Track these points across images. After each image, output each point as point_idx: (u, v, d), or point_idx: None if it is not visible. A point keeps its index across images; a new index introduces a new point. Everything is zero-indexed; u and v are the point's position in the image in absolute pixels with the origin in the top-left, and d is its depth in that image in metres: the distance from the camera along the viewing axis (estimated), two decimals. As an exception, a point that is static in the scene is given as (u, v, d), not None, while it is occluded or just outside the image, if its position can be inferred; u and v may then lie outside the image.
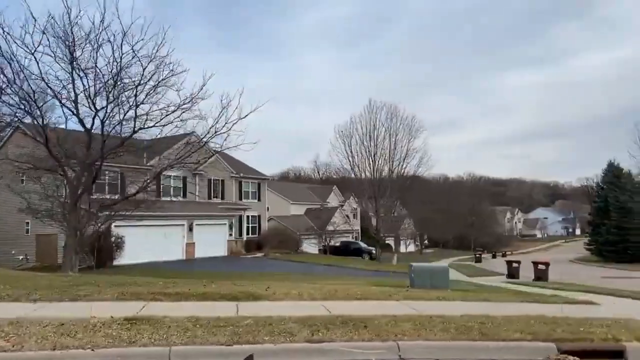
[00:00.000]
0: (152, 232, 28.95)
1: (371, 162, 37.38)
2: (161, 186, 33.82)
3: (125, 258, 26.79)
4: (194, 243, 31.36)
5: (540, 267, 21.89)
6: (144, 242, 28.19)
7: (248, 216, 40.95)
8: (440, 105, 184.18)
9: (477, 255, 51.32)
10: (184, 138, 36.28)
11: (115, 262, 26.40)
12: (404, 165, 37.96)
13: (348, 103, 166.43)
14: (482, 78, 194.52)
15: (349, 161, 37.17)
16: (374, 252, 47.70)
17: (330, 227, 51.96)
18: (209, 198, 37.08)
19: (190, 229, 31.19)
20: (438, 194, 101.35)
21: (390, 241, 74.71)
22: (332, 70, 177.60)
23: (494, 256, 66.34)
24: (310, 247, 48.22)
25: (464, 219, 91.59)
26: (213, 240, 32.69)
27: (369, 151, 37.01)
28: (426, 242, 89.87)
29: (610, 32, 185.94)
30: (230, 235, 34.34)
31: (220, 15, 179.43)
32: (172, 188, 34.59)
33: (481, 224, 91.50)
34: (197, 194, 36.01)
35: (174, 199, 34.26)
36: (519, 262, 26.23)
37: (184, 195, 35.41)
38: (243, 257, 32.83)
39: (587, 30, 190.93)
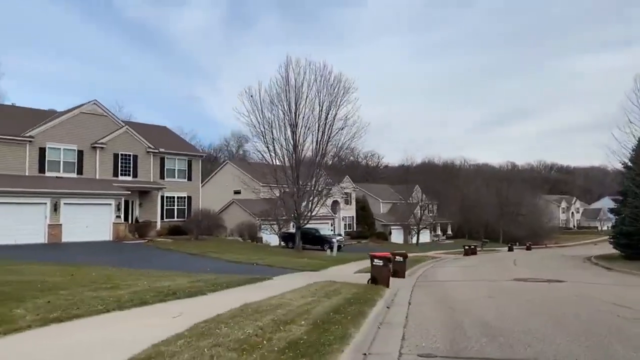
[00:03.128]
0: (-1, 210, 25.02)
1: (290, 134, 30.93)
2: (46, 161, 29.95)
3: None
4: (60, 225, 27.10)
5: (377, 262, 15.10)
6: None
7: (172, 197, 36.27)
8: (514, 91, 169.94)
9: (467, 248, 43.36)
10: (78, 108, 32.37)
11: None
12: (335, 137, 31.17)
13: (417, 90, 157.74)
14: (562, 62, 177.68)
15: (261, 132, 30.94)
16: (336, 241, 41.42)
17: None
18: (115, 175, 32.76)
19: (55, 209, 26.92)
20: (478, 183, 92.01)
21: (397, 230, 67.61)
22: (398, 58, 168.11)
23: (510, 249, 57.51)
24: (272, 234, 42.92)
25: (497, 208, 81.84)
26: (92, 223, 28.33)
27: (289, 119, 30.70)
28: (449, 232, 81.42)
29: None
30: (118, 217, 29.76)
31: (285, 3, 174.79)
32: (61, 163, 30.60)
33: (516, 214, 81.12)
34: (97, 170, 31.98)
35: (65, 175, 30.35)
36: (403, 256, 19.51)
37: (80, 172, 31.32)
38: (127, 243, 28.18)
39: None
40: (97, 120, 32.33)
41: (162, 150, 35.28)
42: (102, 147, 32.17)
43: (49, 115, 33.11)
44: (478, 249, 47.87)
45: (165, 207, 35.62)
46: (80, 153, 31.47)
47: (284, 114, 30.35)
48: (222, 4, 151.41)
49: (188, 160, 37.47)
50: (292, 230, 44.42)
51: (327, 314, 7.84)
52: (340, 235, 44.09)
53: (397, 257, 19.45)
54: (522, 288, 15.11)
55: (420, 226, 62.32)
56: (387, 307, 10.88)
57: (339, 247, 41.30)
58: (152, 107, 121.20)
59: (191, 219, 35.91)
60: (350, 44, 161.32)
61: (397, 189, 77.03)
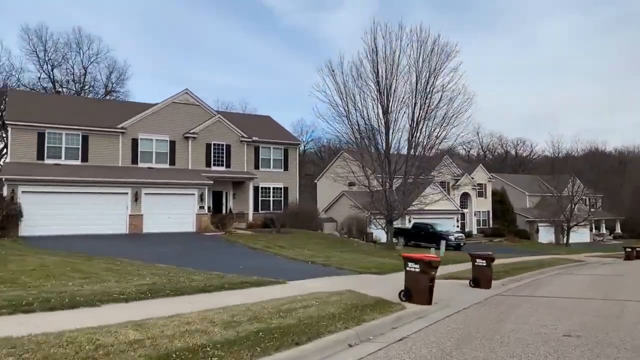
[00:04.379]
0: (82, 200, 25.28)
1: (380, 112, 26.39)
2: (138, 152, 30.13)
3: (39, 229, 23.61)
4: (141, 215, 26.65)
5: (412, 268, 10.33)
6: (68, 212, 24.74)
7: (267, 188, 34.38)
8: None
9: (630, 250, 34.12)
10: (170, 98, 32.05)
11: (25, 233, 23.50)
12: (435, 112, 25.69)
13: (581, 75, 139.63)
14: None
15: (344, 112, 26.71)
16: (454, 238, 35.82)
17: (414, 206, 41.55)
18: (208, 165, 31.91)
19: (136, 199, 26.54)
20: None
21: (547, 228, 57.81)
22: (560, 42, 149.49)
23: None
24: (379, 229, 38.90)
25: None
26: (174, 214, 27.50)
27: (378, 95, 26.16)
28: (617, 230, 67.89)
29: None
30: (202, 208, 28.51)
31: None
32: (153, 154, 30.56)
33: None
34: (189, 160, 31.45)
35: (158, 165, 30.27)
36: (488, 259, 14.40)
37: (172, 163, 31.02)
38: (206, 234, 26.72)
39: None
40: (189, 109, 31.78)
41: (255, 139, 33.56)
42: (194, 137, 31.50)
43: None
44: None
45: (260, 199, 33.92)
46: (172, 143, 31.15)
47: (371, 89, 26.14)
48: (372, 4, 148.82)
49: (284, 149, 35.27)
50: (404, 225, 39.92)
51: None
52: (459, 232, 38.16)
53: (477, 260, 14.49)
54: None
55: (572, 223, 52.16)
56: (349, 345, 6.62)
57: (458, 246, 35.68)
58: (287, 105, 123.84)
59: (285, 211, 33.73)
60: (505, 31, 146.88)
61: (548, 179, 66.28)
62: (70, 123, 28.52)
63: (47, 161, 27.61)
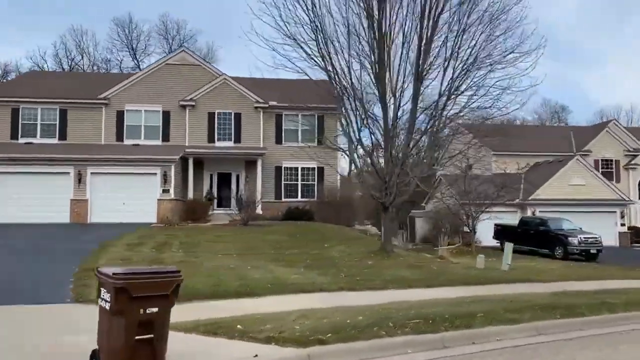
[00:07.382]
0: (16, 182, 20.88)
1: (372, 41, 14.73)
2: (124, 127, 25.01)
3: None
4: (85, 201, 21.04)
5: None
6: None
7: (294, 169, 25.75)
8: None
9: None
10: (163, 58, 26.14)
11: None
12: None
13: None
14: None
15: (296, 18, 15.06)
16: (576, 242, 21.75)
17: (534, 195, 27.83)
18: (211, 141, 25.06)
19: (80, 180, 21.02)
20: None
21: None
22: None
23: None
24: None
25: None
26: (131, 200, 21.22)
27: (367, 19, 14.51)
28: None
29: None
30: (167, 192, 21.50)
31: None
32: (142, 128, 25.00)
33: None
34: (186, 134, 25.15)
35: (148, 142, 24.73)
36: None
37: (166, 139, 25.03)
38: (155, 226, 19.72)
39: None
40: (187, 72, 25.36)
41: (273, 103, 25.33)
42: (192, 105, 24.97)
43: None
44: None
45: (282, 182, 25.55)
46: (166, 115, 25.12)
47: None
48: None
49: (317, 117, 25.96)
50: (510, 221, 26.64)
51: None
52: (591, 234, 22.90)
53: (102, 290, 4.46)
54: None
55: None
56: None
57: (589, 255, 21.70)
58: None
59: (317, 199, 24.71)
60: None
61: None
62: (46, 96, 24.71)
63: (21, 140, 24.19)
